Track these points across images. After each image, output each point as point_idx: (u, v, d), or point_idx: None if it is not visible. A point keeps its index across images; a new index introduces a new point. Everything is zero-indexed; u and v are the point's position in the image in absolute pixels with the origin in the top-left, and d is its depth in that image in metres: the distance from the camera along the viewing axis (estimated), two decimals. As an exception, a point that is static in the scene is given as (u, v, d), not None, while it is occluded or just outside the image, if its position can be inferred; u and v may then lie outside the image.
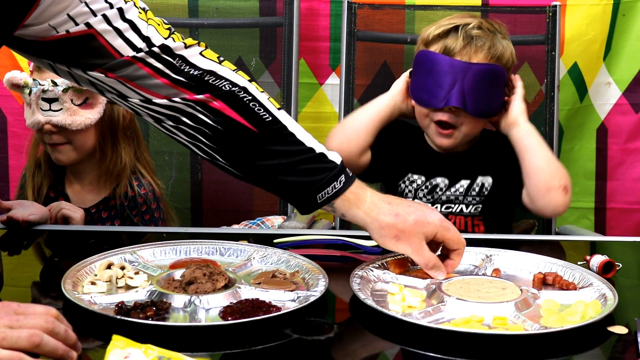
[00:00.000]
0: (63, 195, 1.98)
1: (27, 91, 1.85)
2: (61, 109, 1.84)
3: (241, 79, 1.31)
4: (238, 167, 1.34)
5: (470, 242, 1.58)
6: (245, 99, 1.29)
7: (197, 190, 2.37)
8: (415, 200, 1.85)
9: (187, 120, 1.29)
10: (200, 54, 1.31)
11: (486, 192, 1.82)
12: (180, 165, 2.35)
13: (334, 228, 2.11)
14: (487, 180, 1.83)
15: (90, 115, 1.88)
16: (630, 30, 2.42)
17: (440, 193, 1.84)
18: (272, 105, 1.32)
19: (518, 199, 1.82)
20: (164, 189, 2.09)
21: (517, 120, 1.79)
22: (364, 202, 1.31)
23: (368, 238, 1.59)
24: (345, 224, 2.28)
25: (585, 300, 1.26)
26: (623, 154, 2.50)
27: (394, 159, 1.90)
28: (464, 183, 1.84)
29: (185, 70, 1.27)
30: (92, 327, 1.16)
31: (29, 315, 1.00)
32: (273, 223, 2.04)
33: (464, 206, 1.82)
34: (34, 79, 1.85)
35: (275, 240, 1.56)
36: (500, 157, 1.84)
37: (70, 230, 1.74)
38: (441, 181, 1.85)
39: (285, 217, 2.11)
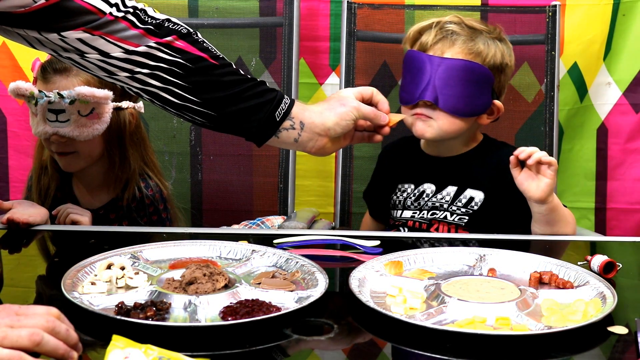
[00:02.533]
0: (70, 197, 1.98)
1: (33, 102, 1.84)
2: (68, 120, 1.83)
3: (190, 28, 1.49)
4: (209, 104, 1.47)
5: (465, 242, 1.59)
6: (199, 40, 1.48)
7: (197, 190, 2.37)
8: (405, 211, 1.85)
9: (162, 64, 1.43)
10: (152, 10, 1.47)
11: (475, 207, 1.77)
12: (180, 165, 2.36)
13: (334, 228, 2.11)
14: (478, 195, 1.78)
15: (97, 126, 1.87)
16: (630, 30, 2.42)
17: (427, 199, 1.82)
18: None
19: (513, 221, 1.75)
20: (171, 190, 2.09)
21: (544, 200, 1.63)
22: (308, 105, 1.54)
23: (368, 238, 1.59)
24: (345, 224, 2.28)
25: (584, 298, 1.26)
26: (623, 154, 2.50)
27: (385, 179, 1.92)
28: (451, 190, 1.80)
29: (149, 20, 1.44)
30: (92, 327, 1.16)
31: (29, 315, 1.00)
32: (273, 223, 2.04)
33: (448, 214, 1.79)
34: (39, 91, 1.83)
35: (275, 241, 1.56)
36: (497, 174, 1.77)
37: (71, 231, 1.74)
38: (428, 187, 1.83)
39: (285, 217, 2.11)
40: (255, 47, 2.35)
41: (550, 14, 2.26)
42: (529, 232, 1.72)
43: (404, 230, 1.84)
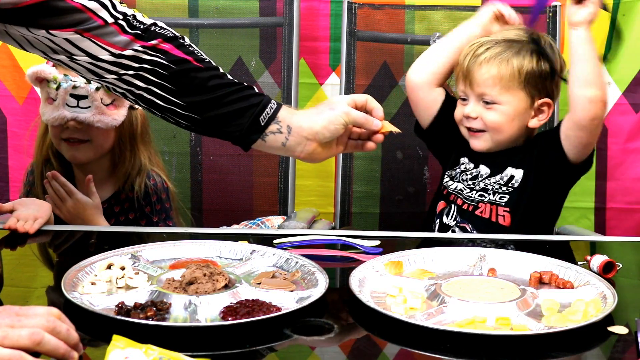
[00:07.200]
0: None
1: (54, 86, 1.84)
2: (89, 106, 1.84)
3: (177, 32, 1.51)
4: (192, 107, 1.47)
5: (465, 242, 1.59)
6: (185, 43, 1.49)
7: (197, 190, 2.37)
8: (458, 184, 1.90)
9: (146, 65, 1.45)
10: (141, 15, 1.50)
11: (515, 184, 1.82)
12: (180, 165, 2.36)
13: (334, 228, 2.11)
14: (518, 173, 1.83)
15: (116, 116, 1.89)
16: (630, 30, 2.42)
17: (480, 179, 1.87)
18: (203, 53, 1.52)
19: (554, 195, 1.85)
20: (176, 192, 2.10)
21: (577, 27, 1.74)
22: (297, 110, 1.55)
23: (368, 238, 1.59)
24: (345, 224, 2.29)
25: (584, 298, 1.26)
26: (623, 154, 2.50)
27: (452, 140, 1.94)
28: (506, 173, 1.85)
29: (137, 25, 1.46)
30: (92, 327, 1.16)
31: (30, 315, 1.00)
32: (273, 223, 2.04)
33: (492, 195, 1.84)
34: (64, 75, 1.83)
35: (275, 241, 1.56)
36: (539, 152, 1.83)
37: (71, 230, 1.74)
38: (483, 169, 1.87)
39: (285, 217, 2.11)
40: (255, 47, 2.35)
41: (550, 14, 2.26)
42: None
43: (454, 208, 1.87)
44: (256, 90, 1.51)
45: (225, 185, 2.37)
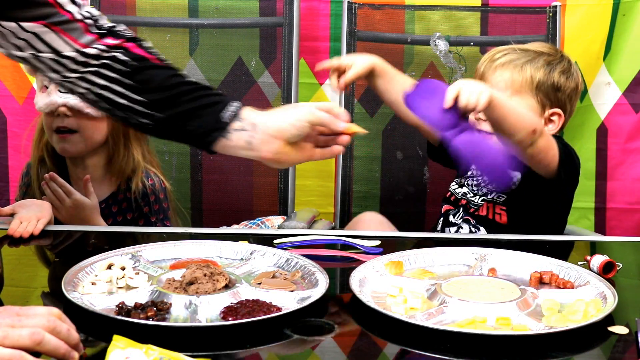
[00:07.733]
0: None
1: None
2: None
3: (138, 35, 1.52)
4: (153, 104, 1.45)
5: (466, 242, 1.59)
6: (147, 45, 1.49)
7: (197, 190, 2.37)
8: (463, 187, 1.93)
9: (107, 61, 1.44)
10: (105, 18, 1.50)
11: (513, 186, 1.83)
12: (180, 165, 2.36)
13: (334, 228, 2.11)
14: (515, 175, 1.83)
15: None
16: (630, 30, 2.42)
17: (482, 184, 1.89)
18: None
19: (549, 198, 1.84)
20: (173, 191, 2.10)
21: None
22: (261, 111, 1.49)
23: (368, 238, 1.60)
24: (345, 224, 2.29)
25: (584, 298, 1.26)
26: (623, 154, 2.50)
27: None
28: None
29: (101, 25, 1.47)
30: (93, 327, 1.16)
31: (30, 315, 1.00)
32: (273, 223, 2.04)
33: (489, 194, 1.86)
34: None
35: (275, 241, 1.56)
36: None
37: (71, 230, 1.74)
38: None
39: (285, 217, 2.11)
40: (255, 47, 2.35)
41: (550, 14, 2.26)
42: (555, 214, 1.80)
43: (460, 210, 1.89)
44: (218, 91, 1.49)
45: (225, 185, 2.37)
